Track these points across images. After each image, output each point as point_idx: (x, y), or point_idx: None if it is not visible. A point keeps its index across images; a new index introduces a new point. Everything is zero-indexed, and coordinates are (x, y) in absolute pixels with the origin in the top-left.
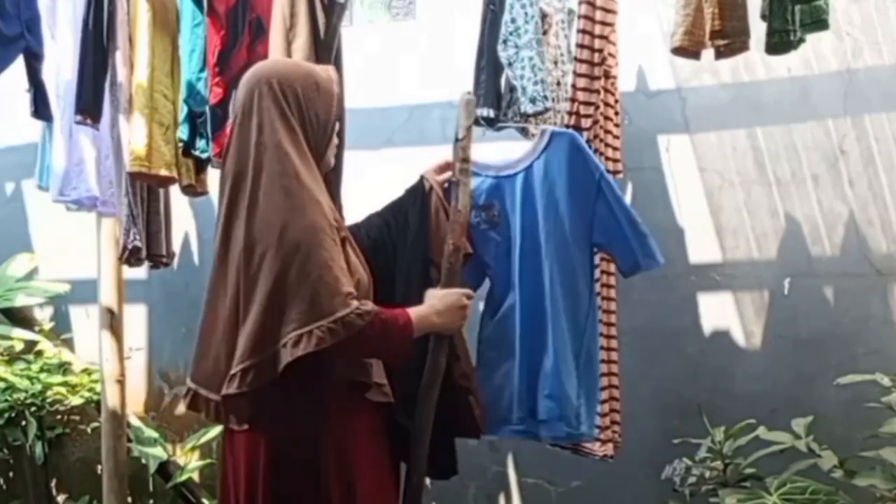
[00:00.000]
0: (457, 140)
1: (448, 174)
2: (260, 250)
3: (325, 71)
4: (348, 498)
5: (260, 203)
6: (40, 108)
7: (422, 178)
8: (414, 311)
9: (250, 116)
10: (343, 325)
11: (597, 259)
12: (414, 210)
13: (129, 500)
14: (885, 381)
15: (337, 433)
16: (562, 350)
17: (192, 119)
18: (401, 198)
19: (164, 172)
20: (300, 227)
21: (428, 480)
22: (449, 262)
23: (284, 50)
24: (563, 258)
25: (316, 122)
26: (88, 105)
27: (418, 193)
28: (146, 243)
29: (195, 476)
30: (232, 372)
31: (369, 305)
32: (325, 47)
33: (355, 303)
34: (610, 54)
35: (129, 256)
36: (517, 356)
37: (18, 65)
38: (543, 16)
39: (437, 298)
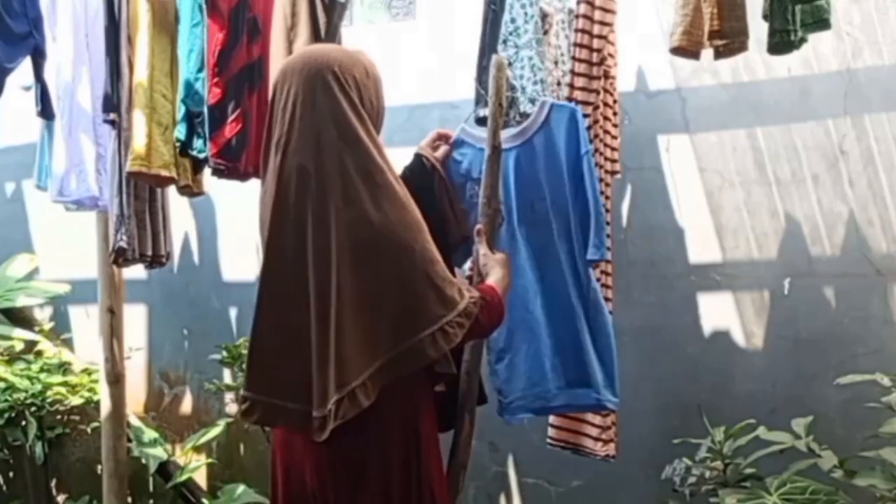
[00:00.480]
0: (500, 106)
1: (445, 149)
2: (365, 250)
3: (362, 54)
4: (426, 487)
5: (355, 202)
6: (46, 106)
7: (419, 155)
8: (497, 286)
9: (314, 108)
10: (466, 316)
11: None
12: (419, 190)
13: (129, 500)
14: (885, 381)
15: (426, 427)
16: (581, 323)
17: (190, 119)
18: (402, 177)
19: (163, 172)
20: (407, 225)
21: None
22: (492, 225)
23: (286, 49)
24: (565, 228)
25: (371, 108)
26: (115, 104)
27: (421, 171)
28: (151, 244)
29: (195, 476)
30: (357, 383)
31: (475, 291)
32: None
33: (466, 291)
34: (609, 54)
35: (117, 257)
36: (542, 332)
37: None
38: (544, 16)
39: (504, 267)
